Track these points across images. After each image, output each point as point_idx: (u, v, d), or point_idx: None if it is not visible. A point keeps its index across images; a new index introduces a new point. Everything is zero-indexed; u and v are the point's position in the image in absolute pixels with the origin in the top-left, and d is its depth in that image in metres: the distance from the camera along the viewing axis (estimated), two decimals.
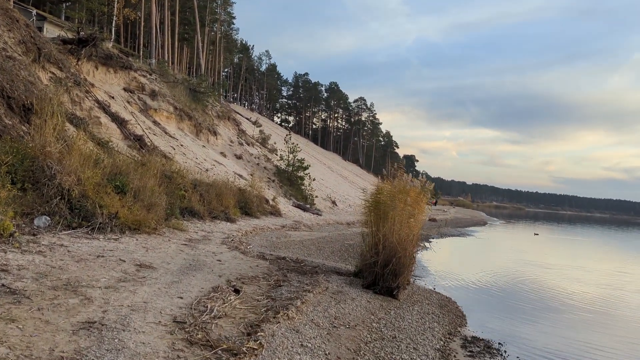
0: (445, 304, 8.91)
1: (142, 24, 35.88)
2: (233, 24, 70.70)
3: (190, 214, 15.13)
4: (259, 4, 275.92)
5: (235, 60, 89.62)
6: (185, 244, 10.58)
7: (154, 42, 33.17)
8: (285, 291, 7.21)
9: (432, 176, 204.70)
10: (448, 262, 18.81)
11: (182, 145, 23.06)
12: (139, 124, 20.92)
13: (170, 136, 23.23)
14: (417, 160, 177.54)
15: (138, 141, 18.86)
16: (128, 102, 23.47)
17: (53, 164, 9.75)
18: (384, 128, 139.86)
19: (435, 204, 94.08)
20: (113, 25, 27.01)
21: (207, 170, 21.49)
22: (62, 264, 6.90)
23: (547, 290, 14.19)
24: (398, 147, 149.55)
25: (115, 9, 27.12)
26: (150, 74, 27.25)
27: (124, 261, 7.70)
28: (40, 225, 9.06)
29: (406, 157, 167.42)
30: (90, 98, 18.74)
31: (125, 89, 24.21)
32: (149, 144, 19.71)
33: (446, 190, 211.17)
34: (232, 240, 12.57)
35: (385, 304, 7.78)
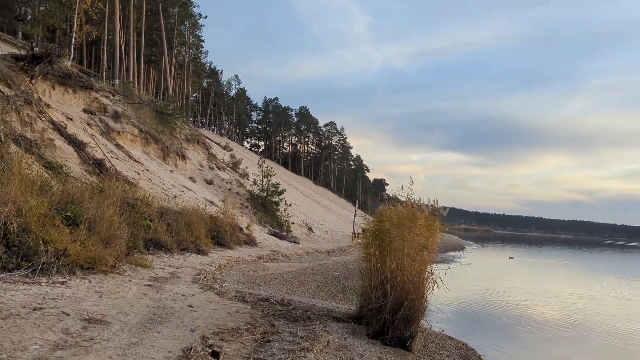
0: (466, 354, 7.49)
1: (106, 43, 34.08)
2: (202, 47, 69.39)
3: (156, 246, 13.40)
4: (227, 30, 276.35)
5: (204, 84, 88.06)
6: (150, 285, 8.90)
7: (118, 62, 31.37)
8: (277, 349, 5.67)
9: (402, 200, 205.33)
10: (444, 294, 17.46)
11: (147, 170, 21.28)
12: (99, 147, 19.11)
13: (135, 160, 21.43)
14: (387, 184, 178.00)
15: (98, 166, 17.06)
16: (88, 124, 21.64)
17: None
18: (354, 152, 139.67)
19: None
20: (72, 42, 25.20)
21: (175, 196, 19.75)
22: None
23: (566, 323, 12.93)
24: (368, 171, 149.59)
25: (75, 25, 25.35)
26: (114, 95, 25.49)
27: (68, 315, 6.03)
28: None
29: (376, 180, 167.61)
30: (44, 119, 16.91)
31: (85, 111, 22.38)
32: (110, 168, 17.91)
33: None
34: (205, 277, 10.91)
35: (400, 359, 6.31)
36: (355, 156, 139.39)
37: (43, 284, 7.44)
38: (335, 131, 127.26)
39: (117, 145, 21.82)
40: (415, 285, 6.93)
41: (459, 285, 17.25)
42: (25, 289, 7.00)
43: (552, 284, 23.59)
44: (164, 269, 11.23)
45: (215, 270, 12.61)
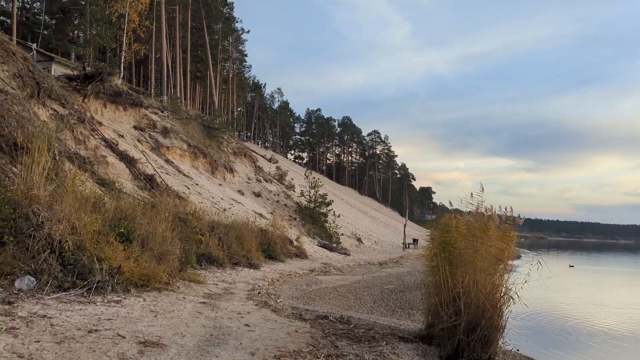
0: None
1: (153, 61, 34.92)
2: (245, 61, 70.44)
3: (208, 261, 13.21)
4: (268, 44, 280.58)
5: (248, 98, 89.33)
6: (204, 302, 8.59)
7: (166, 79, 32.00)
8: None
9: (450, 208, 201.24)
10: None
11: (197, 184, 21.33)
12: (150, 163, 19.28)
13: (184, 175, 21.55)
14: (434, 192, 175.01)
15: (149, 181, 17.16)
16: (138, 140, 21.96)
17: (41, 210, 7.94)
18: (399, 161, 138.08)
19: None
20: (122, 61, 25.88)
21: (224, 210, 19.65)
22: (37, 348, 4.98)
23: None
24: (414, 180, 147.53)
25: (124, 44, 26.05)
26: (162, 111, 25.87)
27: (124, 337, 5.74)
28: (22, 287, 7.20)
29: (422, 189, 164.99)
30: (96, 136, 17.19)
31: (135, 127, 22.76)
32: (160, 183, 18.01)
33: None
34: (259, 292, 10.55)
35: None
36: (400, 165, 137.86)
37: (98, 304, 7.24)
38: (379, 140, 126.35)
39: (167, 161, 22.02)
40: (491, 302, 6.29)
41: (522, 296, 16.09)
42: (80, 309, 6.80)
43: (621, 293, 22.04)
44: (217, 284, 10.96)
45: (268, 284, 12.26)
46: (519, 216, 6.61)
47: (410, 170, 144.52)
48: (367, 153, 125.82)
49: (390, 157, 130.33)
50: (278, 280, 13.36)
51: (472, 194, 6.92)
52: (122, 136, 20.64)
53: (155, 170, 18.90)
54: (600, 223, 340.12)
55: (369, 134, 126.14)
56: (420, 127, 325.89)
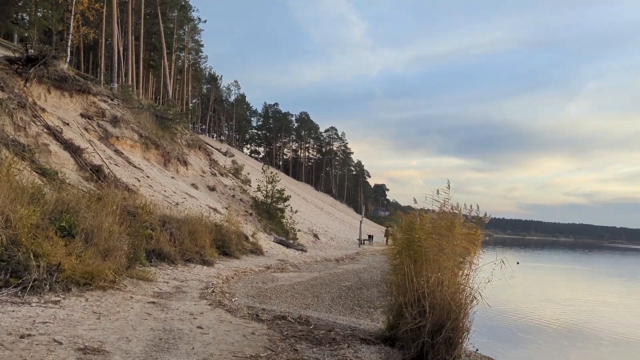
0: None
1: (103, 47, 33.25)
2: (201, 51, 68.70)
3: (158, 257, 12.53)
4: (225, 37, 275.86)
5: (204, 90, 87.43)
6: (153, 302, 8.02)
7: (116, 65, 30.53)
8: None
9: (402, 204, 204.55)
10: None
11: (148, 176, 20.43)
12: (97, 153, 18.27)
13: (135, 166, 20.59)
14: (388, 190, 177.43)
15: (96, 172, 16.22)
16: (86, 129, 20.81)
17: None
18: (354, 157, 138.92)
19: None
20: (69, 44, 24.33)
21: (177, 204, 18.89)
22: None
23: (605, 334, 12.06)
24: (370, 177, 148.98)
25: (72, 27, 24.47)
26: (112, 99, 24.68)
27: (60, 343, 5.16)
28: None
29: (377, 186, 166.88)
30: (38, 123, 16.08)
31: (82, 115, 21.56)
32: (109, 175, 17.07)
33: None
34: (213, 291, 10.03)
35: None
36: (356, 162, 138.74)
37: (34, 304, 6.58)
38: (336, 136, 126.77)
39: (116, 151, 20.98)
40: (457, 303, 6.07)
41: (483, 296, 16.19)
42: (13, 311, 6.14)
43: (566, 289, 22.74)
44: (168, 282, 10.35)
45: (222, 282, 11.73)
46: (485, 215, 6.41)
47: (365, 168, 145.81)
48: (324, 149, 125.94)
49: (346, 153, 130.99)
50: (233, 278, 12.84)
51: (438, 191, 6.68)
52: (68, 124, 19.46)
53: (103, 160, 17.93)
54: (542, 221, 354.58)
55: (326, 130, 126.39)
56: (376, 125, 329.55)
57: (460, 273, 6.30)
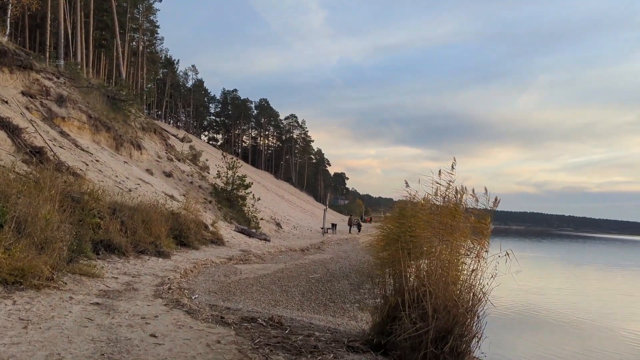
0: None
1: (49, 21, 30.59)
2: (157, 33, 65.61)
3: (107, 249, 11.19)
4: (181, 21, 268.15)
5: (160, 75, 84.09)
6: (98, 304, 6.78)
7: (63, 41, 28.14)
8: None
9: (361, 193, 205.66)
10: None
11: (97, 160, 18.76)
12: (40, 134, 16.51)
13: (83, 149, 18.87)
14: (347, 178, 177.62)
15: (36, 154, 14.55)
16: (27, 108, 18.90)
17: None
18: (315, 146, 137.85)
19: (370, 220, 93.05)
20: (8, 15, 22.00)
21: (130, 190, 17.38)
22: None
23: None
24: (330, 165, 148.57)
25: None
26: (58, 77, 22.69)
27: None
28: None
29: (336, 174, 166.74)
30: None
31: (24, 93, 19.59)
32: (52, 158, 15.40)
33: (375, 207, 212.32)
34: (170, 287, 8.83)
35: None
36: (316, 150, 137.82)
37: None
38: (296, 124, 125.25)
39: (62, 133, 19.18)
40: (465, 305, 5.15)
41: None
42: None
43: (534, 278, 22.57)
44: (117, 278, 9.07)
45: (180, 277, 10.52)
46: (496, 199, 5.49)
47: (325, 156, 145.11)
48: (284, 137, 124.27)
49: (307, 141, 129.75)
50: (192, 271, 11.63)
51: (440, 171, 5.71)
52: (6, 102, 17.55)
53: (46, 142, 16.20)
54: (495, 210, 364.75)
55: (286, 118, 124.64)
56: (335, 114, 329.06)
57: (467, 268, 5.37)
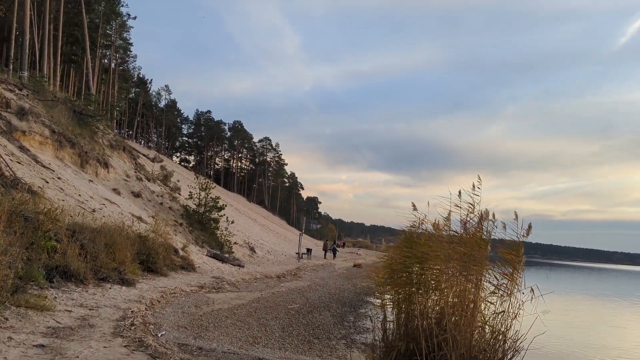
0: None
1: (14, 29, 29.03)
2: (130, 51, 64.19)
3: (63, 276, 9.90)
4: (154, 42, 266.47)
5: (132, 94, 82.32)
6: (41, 346, 5.61)
7: (28, 50, 26.64)
8: None
9: (334, 218, 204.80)
10: None
11: (59, 177, 17.39)
12: None
13: (43, 166, 17.48)
14: (320, 202, 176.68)
15: None
16: None
17: None
18: (288, 169, 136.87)
19: (343, 245, 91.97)
20: None
21: (94, 210, 16.06)
22: None
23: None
24: (303, 189, 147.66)
25: None
26: (20, 89, 21.32)
27: None
28: None
29: (309, 198, 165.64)
30: None
31: None
32: (8, 175, 14.04)
33: (347, 232, 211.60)
34: (132, 322, 7.66)
35: None
36: (289, 173, 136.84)
37: None
38: (270, 147, 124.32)
39: (21, 148, 17.77)
40: (492, 354, 4.23)
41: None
42: None
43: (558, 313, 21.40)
44: (71, 311, 7.84)
45: (146, 309, 9.32)
46: (529, 226, 4.62)
47: (298, 180, 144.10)
48: (257, 160, 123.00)
49: (280, 165, 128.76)
50: (159, 302, 10.42)
51: (460, 192, 4.84)
52: None
53: (1, 156, 14.81)
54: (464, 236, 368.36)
55: (260, 141, 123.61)
56: (308, 139, 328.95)
57: (495, 308, 4.47)
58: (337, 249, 48.21)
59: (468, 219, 4.82)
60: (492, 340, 4.26)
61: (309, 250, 37.71)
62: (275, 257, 31.18)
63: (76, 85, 50.69)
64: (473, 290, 4.57)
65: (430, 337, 4.41)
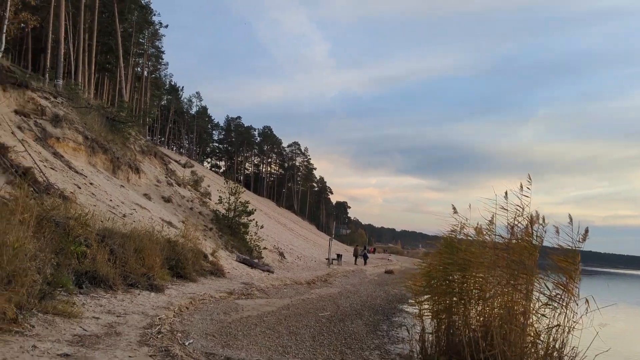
0: None
1: (50, 39, 29.87)
2: (162, 59, 65.31)
3: (92, 282, 9.84)
4: (186, 52, 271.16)
5: (164, 101, 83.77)
6: (66, 356, 5.44)
7: (62, 59, 27.29)
8: None
9: (363, 223, 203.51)
10: None
11: (91, 183, 17.55)
12: (29, 154, 15.35)
13: (76, 172, 17.68)
14: (350, 207, 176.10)
15: (23, 175, 13.33)
16: (19, 127, 17.82)
17: None
18: (317, 174, 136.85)
19: (374, 251, 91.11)
20: (4, 30, 21.07)
21: (124, 215, 16.11)
22: None
23: None
24: (332, 194, 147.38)
25: (8, 10, 21.19)
26: (55, 97, 21.70)
27: None
28: None
29: (338, 203, 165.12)
30: None
31: (17, 112, 18.55)
32: (42, 180, 14.20)
33: (377, 237, 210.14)
34: (159, 330, 7.47)
35: None
36: (318, 178, 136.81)
37: None
38: (299, 152, 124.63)
39: (55, 154, 18.03)
40: None
41: None
42: None
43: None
44: (99, 318, 7.71)
45: (174, 316, 9.14)
46: (586, 231, 4.17)
47: (327, 184, 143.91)
48: (286, 164, 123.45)
49: (309, 169, 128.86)
50: (188, 309, 10.24)
51: (506, 193, 4.44)
52: None
53: (35, 163, 15.01)
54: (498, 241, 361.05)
55: (289, 145, 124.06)
56: (337, 143, 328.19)
57: (547, 323, 4.04)
58: (368, 254, 47.61)
59: (516, 222, 4.40)
60: (546, 357, 3.84)
61: (339, 256, 37.31)
62: (305, 263, 30.93)
63: (110, 93, 51.81)
64: (523, 301, 4.16)
65: (477, 352, 4.02)
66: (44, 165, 15.87)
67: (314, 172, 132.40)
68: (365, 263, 42.25)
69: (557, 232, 4.22)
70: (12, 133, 16.79)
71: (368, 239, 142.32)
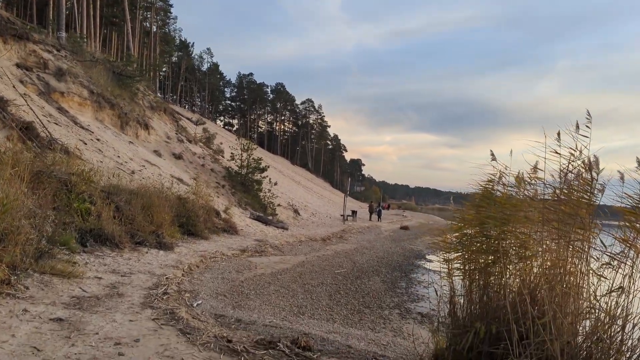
0: None
1: None
2: (170, 12, 63.48)
3: (97, 240, 9.38)
4: (196, 6, 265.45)
5: (174, 58, 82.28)
6: (59, 320, 4.95)
7: (64, 10, 26.28)
8: None
9: (377, 180, 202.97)
10: None
11: (98, 139, 17.02)
12: (31, 109, 14.77)
13: (82, 127, 17.13)
14: (364, 165, 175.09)
15: (24, 130, 12.79)
16: (21, 81, 17.20)
17: None
18: (331, 132, 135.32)
19: (388, 207, 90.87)
20: None
21: (133, 172, 15.62)
22: None
23: None
24: (346, 151, 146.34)
25: None
26: (58, 50, 20.94)
27: None
28: None
29: (352, 161, 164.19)
30: None
31: (18, 65, 17.89)
32: (44, 135, 13.66)
33: (392, 194, 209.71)
34: (165, 291, 6.99)
35: None
36: (332, 135, 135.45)
37: None
38: (312, 109, 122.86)
39: (60, 109, 17.46)
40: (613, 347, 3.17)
41: None
42: None
43: None
44: (101, 278, 7.24)
45: (183, 275, 8.69)
46: None
47: (341, 142, 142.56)
48: (300, 122, 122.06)
49: (323, 127, 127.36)
50: (198, 267, 9.80)
51: (559, 133, 3.70)
52: None
53: (37, 117, 14.44)
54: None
55: (302, 103, 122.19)
56: (351, 101, 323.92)
57: (607, 287, 3.38)
58: (382, 211, 47.13)
59: (571, 168, 3.68)
60: (605, 325, 3.21)
61: (354, 212, 36.89)
62: (320, 220, 30.55)
63: (119, 48, 50.67)
64: (577, 260, 3.49)
65: (523, 318, 3.40)
66: (47, 121, 15.30)
67: (328, 129, 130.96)
68: (379, 219, 41.86)
69: (622, 178, 3.49)
70: (14, 87, 16.17)
71: (382, 195, 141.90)
